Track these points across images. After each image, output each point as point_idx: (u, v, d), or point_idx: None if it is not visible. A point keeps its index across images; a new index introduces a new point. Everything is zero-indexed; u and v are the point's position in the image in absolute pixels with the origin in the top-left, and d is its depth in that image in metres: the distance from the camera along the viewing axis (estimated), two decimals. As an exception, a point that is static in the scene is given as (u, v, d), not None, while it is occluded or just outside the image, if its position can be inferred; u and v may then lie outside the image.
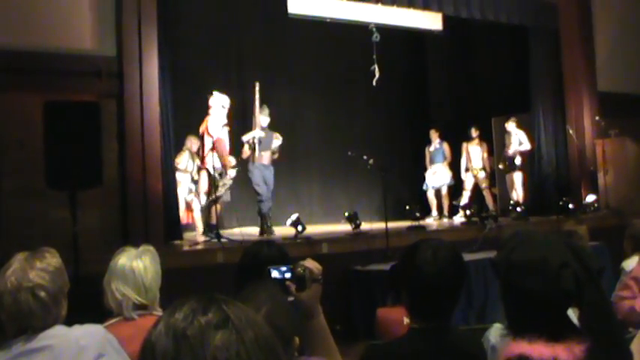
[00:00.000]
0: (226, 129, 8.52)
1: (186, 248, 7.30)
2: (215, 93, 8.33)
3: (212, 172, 8.22)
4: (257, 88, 8.75)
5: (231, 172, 8.25)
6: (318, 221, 10.25)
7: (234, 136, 8.98)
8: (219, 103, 8.31)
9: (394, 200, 10.85)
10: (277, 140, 8.85)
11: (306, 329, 1.83)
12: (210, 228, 7.98)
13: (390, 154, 11.53)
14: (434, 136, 11.27)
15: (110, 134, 6.81)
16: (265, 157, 8.75)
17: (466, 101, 12.60)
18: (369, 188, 11.37)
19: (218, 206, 8.21)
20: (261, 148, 8.65)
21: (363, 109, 12.12)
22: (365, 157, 8.44)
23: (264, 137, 8.73)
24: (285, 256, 2.47)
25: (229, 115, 8.79)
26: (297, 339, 1.62)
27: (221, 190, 8.25)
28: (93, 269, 3.85)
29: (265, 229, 8.49)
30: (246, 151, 8.76)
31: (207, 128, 8.29)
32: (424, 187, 11.28)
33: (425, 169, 11.37)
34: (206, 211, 8.37)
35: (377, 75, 9.55)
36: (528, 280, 1.63)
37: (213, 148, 8.28)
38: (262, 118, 8.81)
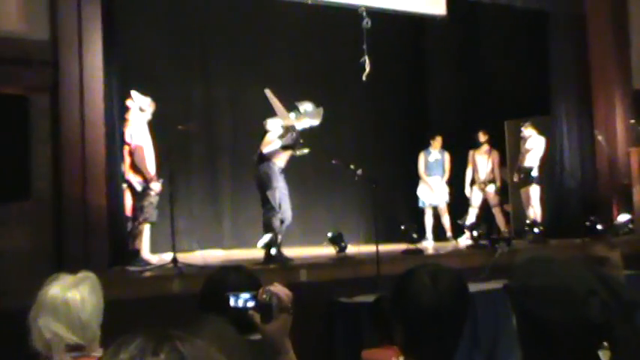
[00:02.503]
0: (148, 137, 8.26)
1: (132, 268, 7.31)
2: (133, 93, 8.18)
3: (137, 187, 8.04)
4: (269, 96, 8.60)
5: (155, 186, 8.06)
6: (296, 243, 10.25)
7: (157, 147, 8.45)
8: (136, 106, 8.19)
9: (387, 219, 10.85)
10: (304, 149, 8.70)
11: None
12: (133, 255, 7.88)
13: (383, 163, 11.57)
14: (436, 143, 11.31)
15: (41, 136, 6.74)
16: (285, 159, 8.58)
17: (473, 101, 12.66)
18: (356, 204, 11.43)
19: (142, 228, 8.10)
20: (293, 143, 8.46)
21: (351, 109, 12.16)
22: (352, 167, 8.45)
23: (296, 135, 8.51)
24: (256, 285, 2.45)
25: (151, 123, 8.43)
26: None
27: (149, 210, 8.14)
28: (17, 301, 3.80)
29: (273, 257, 7.88)
30: (269, 140, 8.50)
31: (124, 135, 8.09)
32: (421, 205, 11.30)
33: (415, 180, 11.39)
34: (131, 235, 8.15)
35: (367, 69, 9.55)
36: (550, 310, 1.63)
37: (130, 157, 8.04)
38: (306, 120, 8.63)
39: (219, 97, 11.28)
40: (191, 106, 11.04)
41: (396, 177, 12.05)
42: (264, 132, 8.64)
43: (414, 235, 9.29)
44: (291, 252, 8.51)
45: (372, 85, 10.18)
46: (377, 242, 7.65)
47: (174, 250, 7.54)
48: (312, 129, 8.83)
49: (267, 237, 8.03)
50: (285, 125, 8.56)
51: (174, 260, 7.38)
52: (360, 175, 8.44)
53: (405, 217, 11.03)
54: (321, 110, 8.84)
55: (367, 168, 8.76)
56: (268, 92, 8.61)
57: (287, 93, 9.72)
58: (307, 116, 8.70)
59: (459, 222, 10.82)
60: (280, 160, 8.55)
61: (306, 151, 8.69)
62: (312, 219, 11.51)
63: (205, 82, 11.25)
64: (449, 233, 11.16)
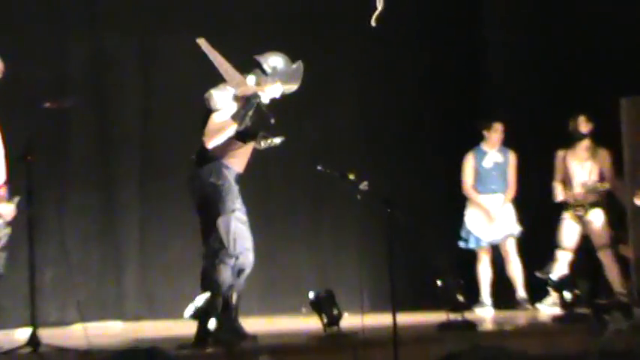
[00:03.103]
0: None
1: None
2: None
3: None
4: (205, 49, 8.53)
5: (4, 209, 8.00)
6: (256, 309, 10.43)
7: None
8: None
9: (411, 268, 10.78)
10: (274, 139, 8.51)
11: None
12: None
13: (404, 172, 11.89)
14: (493, 136, 11.50)
15: None
16: (244, 158, 8.51)
17: (563, 66, 12.79)
18: (358, 242, 11.33)
19: None
20: (256, 128, 8.39)
21: (350, 75, 12.38)
22: (351, 177, 8.34)
23: (265, 111, 8.45)
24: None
25: None
26: None
27: None
28: None
29: (212, 334, 7.74)
30: (218, 126, 8.31)
31: None
32: (468, 244, 11.48)
33: (461, 201, 11.53)
34: None
35: (380, 7, 9.49)
36: None
37: None
38: (276, 86, 8.55)
39: (117, 53, 11.27)
40: (69, 69, 11.02)
41: (426, 194, 12.24)
42: (207, 112, 8.42)
43: (460, 298, 9.18)
44: (247, 324, 8.39)
45: (387, 36, 10.44)
46: (394, 309, 7.48)
47: (34, 322, 7.53)
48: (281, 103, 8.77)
49: (201, 299, 7.86)
50: (240, 96, 8.42)
51: (34, 341, 7.37)
52: (363, 191, 8.29)
53: (444, 264, 11.13)
54: (299, 67, 8.72)
55: (377, 179, 8.82)
56: (203, 43, 8.53)
57: (244, 53, 9.65)
58: (277, 78, 8.59)
59: (539, 275, 10.83)
60: (237, 161, 8.45)
61: (277, 140, 8.51)
62: (281, 268, 11.57)
63: (93, 27, 11.22)
64: (522, 293, 11.28)
